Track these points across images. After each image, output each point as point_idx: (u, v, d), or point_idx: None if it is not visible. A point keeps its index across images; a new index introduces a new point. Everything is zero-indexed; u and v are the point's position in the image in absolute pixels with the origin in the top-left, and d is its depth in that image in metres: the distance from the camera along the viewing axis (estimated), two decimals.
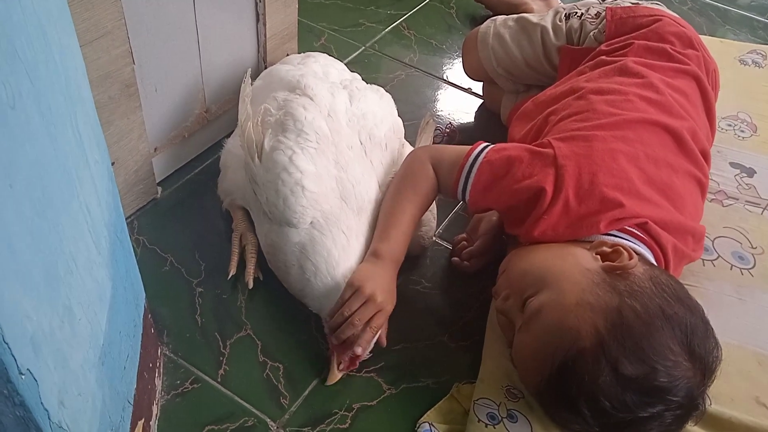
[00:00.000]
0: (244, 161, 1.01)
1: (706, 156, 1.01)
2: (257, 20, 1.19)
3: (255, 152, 0.99)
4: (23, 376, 0.48)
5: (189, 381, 0.91)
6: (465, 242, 1.10)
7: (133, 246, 0.86)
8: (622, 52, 1.10)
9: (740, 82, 1.45)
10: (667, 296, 0.79)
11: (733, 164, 1.26)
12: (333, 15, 1.61)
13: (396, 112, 1.12)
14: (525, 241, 0.93)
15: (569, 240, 0.89)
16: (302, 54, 1.23)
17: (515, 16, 1.30)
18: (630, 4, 1.18)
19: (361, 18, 1.62)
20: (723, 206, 1.17)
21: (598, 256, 0.85)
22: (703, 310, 0.81)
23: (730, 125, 1.34)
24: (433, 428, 0.88)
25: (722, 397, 0.89)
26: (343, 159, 0.98)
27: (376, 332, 0.90)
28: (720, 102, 1.15)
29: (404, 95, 1.35)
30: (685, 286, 0.83)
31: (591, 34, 1.17)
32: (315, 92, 1.03)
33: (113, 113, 0.97)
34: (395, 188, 0.99)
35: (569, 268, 0.84)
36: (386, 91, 1.13)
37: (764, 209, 1.18)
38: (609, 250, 0.85)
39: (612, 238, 0.88)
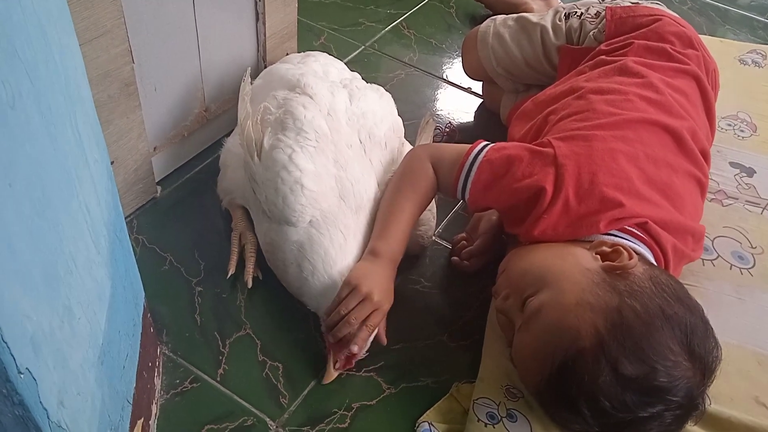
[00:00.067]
0: (244, 160, 1.01)
1: (705, 156, 1.01)
2: (257, 19, 1.19)
3: (254, 151, 0.99)
4: (22, 376, 0.48)
5: (188, 380, 0.91)
6: (465, 241, 1.10)
7: (132, 245, 0.86)
8: (621, 51, 1.10)
9: (740, 81, 1.46)
10: (666, 296, 0.79)
11: (732, 164, 1.26)
12: (332, 14, 1.61)
13: (396, 111, 1.12)
14: (525, 241, 0.93)
15: (569, 240, 0.89)
16: (302, 53, 1.23)
17: (515, 15, 1.30)
18: (630, 4, 1.18)
19: (360, 17, 1.62)
20: (723, 206, 1.17)
21: (598, 256, 0.85)
22: (702, 310, 0.81)
23: (729, 125, 1.34)
24: (432, 428, 0.88)
25: (722, 396, 0.89)
26: (343, 158, 0.98)
27: (372, 331, 0.90)
28: (720, 102, 1.15)
29: (404, 95, 1.35)
30: (685, 286, 0.83)
31: (591, 33, 1.17)
32: (315, 91, 1.03)
33: (113, 112, 0.97)
34: (394, 187, 0.99)
35: (569, 268, 0.84)
36: (386, 90, 1.13)
37: (764, 209, 1.18)
38: (609, 249, 0.85)
39: (612, 237, 0.88)
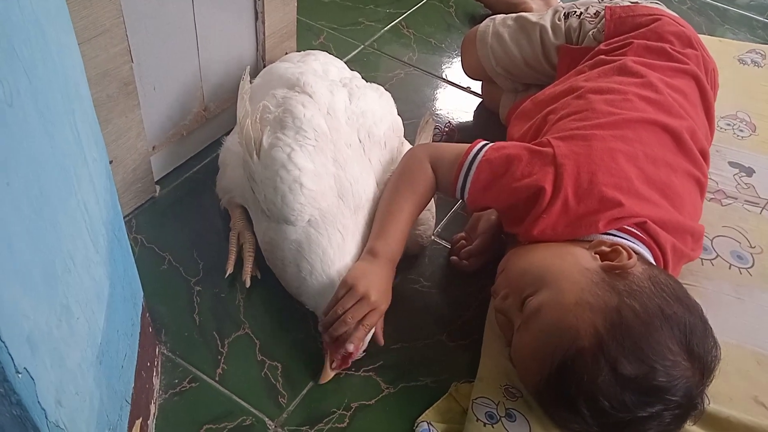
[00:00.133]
0: (243, 158, 1.01)
1: (705, 155, 1.01)
2: (256, 18, 1.19)
3: (253, 149, 0.99)
4: (20, 375, 0.48)
5: (187, 380, 0.91)
6: (464, 241, 1.10)
7: (131, 245, 0.86)
8: (621, 51, 1.10)
9: (739, 81, 1.45)
10: (666, 296, 0.79)
11: (732, 163, 1.26)
12: (332, 13, 1.61)
13: (395, 110, 1.12)
14: (524, 240, 0.93)
15: (568, 239, 0.89)
16: (302, 52, 1.23)
17: (514, 15, 1.29)
18: (629, 4, 1.18)
19: (360, 16, 1.62)
20: (722, 205, 1.17)
21: (597, 256, 0.85)
22: (701, 310, 0.81)
23: (729, 124, 1.34)
24: (431, 427, 0.88)
25: (721, 396, 0.88)
26: (342, 157, 0.98)
27: (369, 330, 0.90)
28: (719, 101, 1.15)
29: (403, 94, 1.35)
30: (684, 286, 0.83)
31: (590, 33, 1.17)
32: (314, 90, 1.03)
33: (111, 111, 0.97)
34: (393, 186, 0.99)
35: (568, 268, 0.84)
36: (385, 89, 1.13)
37: (763, 208, 1.18)
38: (608, 249, 0.85)
39: (611, 237, 0.88)
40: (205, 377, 0.92)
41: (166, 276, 1.03)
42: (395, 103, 1.13)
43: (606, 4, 1.19)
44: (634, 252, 0.85)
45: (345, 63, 1.22)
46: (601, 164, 0.89)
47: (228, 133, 1.16)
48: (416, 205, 0.98)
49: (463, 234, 1.11)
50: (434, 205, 1.10)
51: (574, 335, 0.77)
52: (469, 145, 0.96)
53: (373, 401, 0.91)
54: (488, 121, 1.38)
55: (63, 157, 0.56)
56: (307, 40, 1.50)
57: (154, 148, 1.11)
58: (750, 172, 1.25)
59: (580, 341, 0.77)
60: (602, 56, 1.10)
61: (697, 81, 1.06)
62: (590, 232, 0.89)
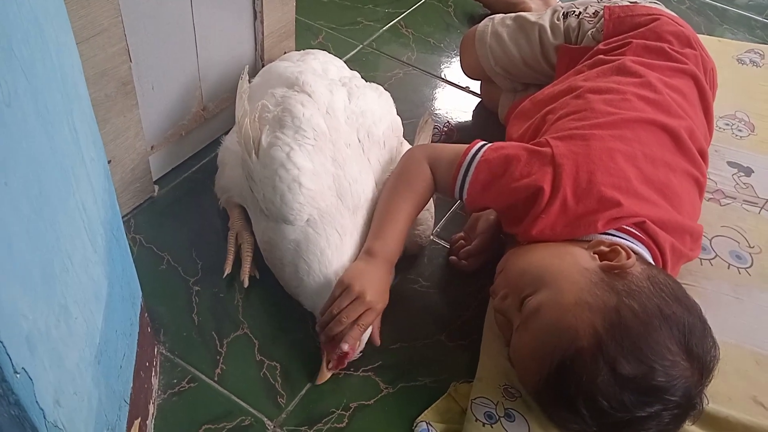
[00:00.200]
0: (242, 158, 1.01)
1: (703, 155, 1.01)
2: (255, 18, 1.19)
3: (252, 148, 0.98)
4: (18, 375, 0.48)
5: (186, 380, 0.91)
6: (463, 241, 1.10)
7: (129, 244, 0.86)
8: (620, 51, 1.10)
9: (738, 81, 1.46)
10: (665, 296, 0.79)
11: (730, 163, 1.26)
12: (331, 13, 1.61)
13: (395, 110, 1.12)
14: (523, 240, 0.93)
15: (567, 239, 0.89)
16: (302, 51, 1.23)
17: (513, 14, 1.29)
18: (628, 3, 1.18)
19: (358, 16, 1.61)
20: (721, 205, 1.17)
21: (596, 256, 0.85)
22: (700, 310, 0.81)
23: (727, 124, 1.34)
24: (430, 427, 0.88)
25: (720, 396, 0.89)
26: (341, 156, 0.98)
27: (364, 330, 0.89)
28: (718, 101, 1.15)
29: (402, 94, 1.35)
30: (683, 286, 0.83)
31: (589, 33, 1.17)
32: (313, 89, 1.03)
33: (110, 111, 0.97)
34: (391, 186, 0.99)
35: (567, 268, 0.84)
36: (384, 89, 1.13)
37: (762, 208, 1.18)
38: (607, 249, 0.85)
39: (610, 237, 0.88)
40: (203, 377, 0.92)
41: (165, 276, 1.03)
42: (394, 102, 1.13)
43: (605, 4, 1.19)
44: (633, 252, 0.85)
45: (344, 63, 1.22)
46: (599, 164, 0.89)
47: (227, 133, 1.16)
48: (414, 205, 0.98)
49: (462, 234, 1.11)
50: (433, 205, 1.10)
51: (573, 335, 0.77)
52: (468, 145, 0.96)
53: (372, 401, 0.91)
54: (487, 121, 1.38)
55: (61, 156, 0.56)
56: (305, 39, 1.50)
57: (152, 147, 1.11)
58: (749, 171, 1.25)
59: (579, 341, 0.77)
60: (601, 56, 1.10)
61: (695, 81, 1.06)
62: (589, 232, 0.89)
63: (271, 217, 0.97)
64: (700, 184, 0.99)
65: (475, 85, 1.44)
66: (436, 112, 1.39)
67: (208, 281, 1.03)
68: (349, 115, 1.02)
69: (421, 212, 1.02)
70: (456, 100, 1.43)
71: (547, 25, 1.22)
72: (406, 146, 1.11)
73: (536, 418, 0.87)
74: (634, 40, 1.09)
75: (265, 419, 0.88)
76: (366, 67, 1.45)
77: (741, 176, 1.24)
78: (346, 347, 0.88)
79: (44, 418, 0.53)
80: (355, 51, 1.51)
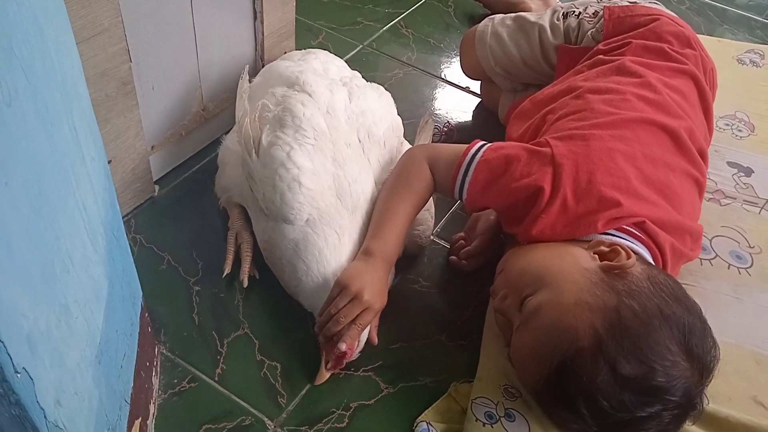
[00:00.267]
0: (242, 157, 1.01)
1: (703, 155, 1.01)
2: (255, 18, 1.19)
3: (252, 148, 0.98)
4: (19, 375, 0.48)
5: (186, 380, 0.91)
6: (463, 241, 1.10)
7: (130, 244, 0.86)
8: (619, 51, 1.10)
9: (738, 81, 1.46)
10: (665, 296, 0.79)
11: (730, 163, 1.26)
12: (331, 13, 1.61)
13: (395, 110, 1.12)
14: (523, 240, 0.93)
15: (567, 239, 0.89)
16: (303, 50, 1.23)
17: (513, 15, 1.29)
18: (628, 4, 1.18)
19: (359, 16, 1.61)
20: (721, 205, 1.17)
21: (596, 256, 0.85)
22: (700, 310, 0.81)
23: (727, 124, 1.35)
24: (430, 427, 0.88)
25: (720, 396, 0.88)
26: (341, 156, 0.98)
27: (362, 329, 0.89)
28: (718, 101, 1.15)
29: (402, 94, 1.35)
30: (683, 286, 0.83)
31: (589, 33, 1.17)
32: (314, 89, 1.03)
33: (110, 111, 0.97)
34: (390, 186, 0.99)
35: (567, 268, 0.84)
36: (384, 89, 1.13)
37: (762, 208, 1.18)
38: (607, 249, 0.85)
39: (610, 237, 0.88)
40: (204, 377, 0.92)
41: (165, 276, 1.03)
42: (394, 102, 1.13)
43: (605, 4, 1.19)
44: (633, 252, 0.85)
45: (345, 63, 1.22)
46: (599, 164, 0.89)
47: (227, 133, 1.16)
48: (413, 205, 0.97)
49: (462, 234, 1.11)
50: (433, 206, 1.10)
51: (573, 335, 0.77)
52: (467, 145, 0.96)
53: (372, 401, 0.91)
54: (487, 121, 1.38)
55: (61, 156, 0.56)
56: (305, 40, 1.50)
57: (152, 147, 1.11)
58: (749, 172, 1.25)
59: (579, 341, 0.77)
60: (601, 56, 1.10)
61: (695, 81, 1.06)
62: (589, 232, 0.89)
63: (271, 217, 0.97)
64: (699, 185, 0.99)
65: (475, 85, 1.44)
66: (436, 112, 1.39)
67: (209, 281, 1.03)
68: (349, 115, 1.02)
69: (422, 212, 1.02)
70: (456, 101, 1.43)
71: (546, 25, 1.22)
72: (407, 146, 1.11)
73: (536, 418, 0.87)
74: (634, 41, 1.09)
75: (266, 419, 0.88)
76: (366, 68, 1.45)
77: (741, 176, 1.24)
78: (343, 347, 0.88)
79: (45, 417, 0.53)
80: (355, 51, 1.51)
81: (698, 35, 1.15)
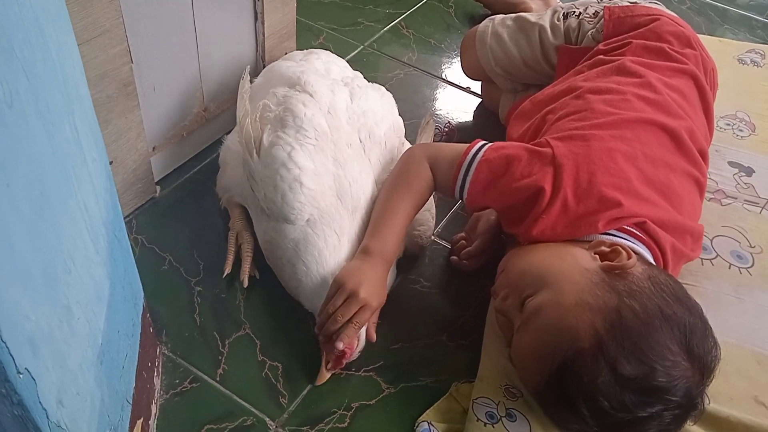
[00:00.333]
0: (243, 157, 1.01)
1: (704, 155, 1.01)
2: (255, 19, 1.19)
3: (253, 148, 0.98)
4: (21, 376, 0.48)
5: (188, 380, 0.91)
6: (464, 241, 1.10)
7: (131, 245, 0.86)
8: (619, 51, 1.10)
9: (739, 81, 1.46)
10: (665, 296, 0.79)
11: (731, 163, 1.26)
12: (331, 14, 1.61)
13: (396, 111, 1.12)
14: (523, 241, 0.93)
15: (568, 239, 0.89)
16: (305, 50, 1.23)
17: (513, 15, 1.30)
18: (628, 4, 1.18)
19: (359, 17, 1.62)
20: (722, 205, 1.17)
21: (597, 256, 0.85)
22: (701, 310, 0.81)
23: (728, 124, 1.35)
24: (432, 427, 0.88)
25: (721, 396, 0.88)
26: (342, 156, 0.98)
27: (359, 328, 0.89)
28: (718, 101, 1.15)
29: (403, 94, 1.35)
30: (684, 286, 0.83)
31: (589, 33, 1.17)
32: (315, 89, 1.03)
33: (111, 112, 0.97)
34: (390, 185, 0.99)
35: (568, 268, 0.84)
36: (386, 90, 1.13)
37: (763, 208, 1.18)
38: (608, 249, 0.85)
39: (610, 237, 0.88)
40: (205, 377, 0.92)
41: (167, 276, 1.03)
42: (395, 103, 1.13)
43: (605, 5, 1.19)
44: (634, 252, 0.85)
45: (347, 63, 1.22)
46: (600, 164, 0.89)
47: (228, 133, 1.16)
48: (413, 205, 0.97)
49: (463, 234, 1.11)
50: (434, 206, 1.10)
51: (574, 336, 0.77)
52: (468, 145, 0.96)
53: (373, 401, 0.91)
54: (488, 122, 1.38)
55: (63, 157, 0.56)
56: (306, 40, 1.50)
57: (154, 148, 1.11)
58: (749, 171, 1.25)
59: (579, 342, 0.77)
60: (601, 56, 1.10)
61: (695, 81, 1.06)
62: (590, 233, 0.89)
63: (272, 217, 0.97)
64: (700, 184, 0.99)
65: (476, 86, 1.44)
66: (437, 112, 1.39)
67: (210, 282, 1.03)
68: (350, 115, 1.03)
69: (422, 213, 1.02)
70: (457, 101, 1.43)
71: (547, 25, 1.22)
72: (408, 147, 1.11)
73: (538, 418, 0.87)
74: (634, 41, 1.09)
75: (267, 419, 0.88)
76: (367, 68, 1.45)
77: (742, 176, 1.24)
78: (341, 345, 0.88)
79: (47, 418, 0.53)
80: (356, 52, 1.51)
81: (699, 35, 1.15)
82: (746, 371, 0.94)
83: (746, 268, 1.08)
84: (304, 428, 0.88)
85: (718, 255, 1.09)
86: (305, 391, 0.92)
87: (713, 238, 1.11)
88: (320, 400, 0.91)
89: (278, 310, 1.00)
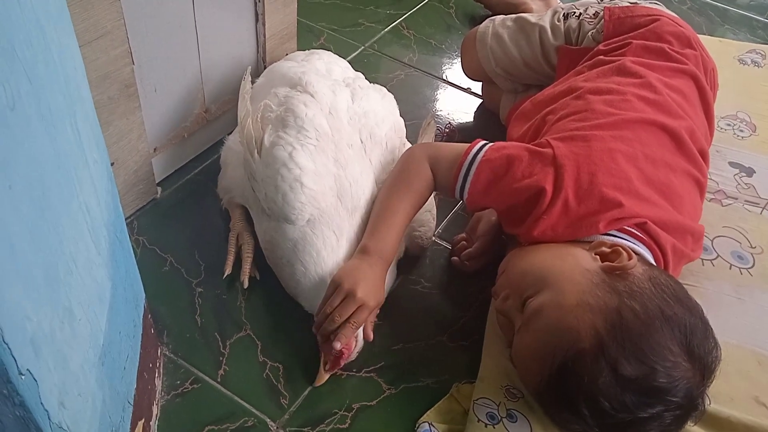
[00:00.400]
0: (244, 157, 1.01)
1: (704, 156, 1.01)
2: (256, 20, 1.19)
3: (254, 148, 0.99)
4: (23, 377, 0.48)
5: (189, 381, 0.91)
6: (464, 242, 1.10)
7: (132, 246, 0.86)
8: (620, 51, 1.10)
9: (739, 81, 1.46)
10: (666, 297, 0.79)
11: (732, 164, 1.26)
12: (332, 15, 1.61)
13: (398, 111, 1.12)
14: (524, 241, 0.93)
15: (569, 240, 0.89)
16: (307, 51, 1.23)
17: (514, 15, 1.30)
18: (628, 4, 1.18)
19: (360, 18, 1.62)
20: (722, 206, 1.17)
21: (598, 257, 0.85)
22: (702, 310, 0.81)
23: (729, 125, 1.35)
24: (432, 428, 0.88)
25: (721, 396, 0.89)
26: (343, 157, 0.98)
27: (356, 328, 0.89)
28: (719, 101, 1.15)
29: (403, 95, 1.35)
30: (685, 286, 0.83)
31: (589, 33, 1.17)
32: (316, 89, 1.03)
33: (113, 113, 0.97)
34: (390, 185, 0.99)
35: (569, 269, 0.84)
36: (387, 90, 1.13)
37: (763, 209, 1.18)
38: (608, 250, 0.85)
39: (611, 238, 0.88)
40: (207, 378, 0.92)
41: (168, 277, 1.03)
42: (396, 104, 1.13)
43: (605, 5, 1.19)
44: (635, 253, 0.85)
45: (348, 63, 1.22)
46: (600, 165, 0.89)
47: (230, 134, 1.16)
48: (413, 204, 0.97)
49: (463, 235, 1.11)
50: (435, 207, 1.11)
51: (575, 336, 0.77)
52: (469, 144, 0.96)
53: (374, 402, 0.91)
54: (488, 122, 1.38)
55: (64, 158, 0.56)
56: (307, 41, 1.50)
57: (155, 149, 1.11)
58: (750, 172, 1.25)
59: (580, 342, 0.77)
60: (601, 57, 1.10)
61: (696, 81, 1.06)
62: (591, 233, 0.89)
63: (272, 217, 0.97)
64: (700, 185, 0.99)
65: (477, 86, 1.44)
66: (438, 113, 1.39)
67: (211, 283, 1.03)
68: (351, 116, 1.03)
69: (423, 213, 1.03)
70: (457, 102, 1.43)
71: (547, 26, 1.22)
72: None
73: (538, 419, 0.87)
74: (634, 41, 1.09)
75: (268, 420, 0.88)
76: (367, 69, 1.45)
77: (743, 177, 1.24)
78: (338, 346, 0.88)
79: (49, 419, 0.53)
80: (357, 53, 1.51)
81: (699, 35, 1.15)
82: (747, 372, 0.94)
83: (747, 269, 1.08)
84: (305, 429, 0.88)
85: (718, 255, 1.09)
86: (306, 392, 0.92)
87: (714, 238, 1.11)
88: (321, 401, 0.91)
89: (279, 310, 1.00)
